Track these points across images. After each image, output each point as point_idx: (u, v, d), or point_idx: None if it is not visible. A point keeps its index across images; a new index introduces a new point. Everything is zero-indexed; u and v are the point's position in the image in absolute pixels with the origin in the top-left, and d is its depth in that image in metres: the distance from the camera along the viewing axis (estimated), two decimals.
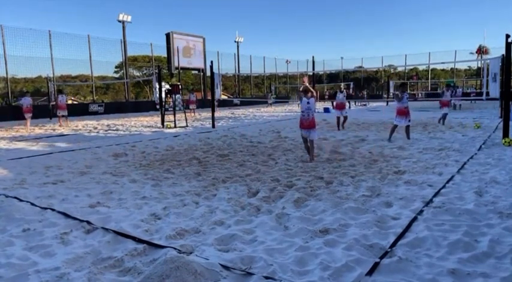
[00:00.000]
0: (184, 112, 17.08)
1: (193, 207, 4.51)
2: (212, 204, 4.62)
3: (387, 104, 33.10)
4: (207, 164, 7.23)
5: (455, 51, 41.06)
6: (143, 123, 18.01)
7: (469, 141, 9.32)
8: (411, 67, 48.75)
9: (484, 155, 7.39)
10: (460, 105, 24.63)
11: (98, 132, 14.35)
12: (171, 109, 16.32)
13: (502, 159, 6.93)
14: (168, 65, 34.02)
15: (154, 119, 20.58)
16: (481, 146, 8.45)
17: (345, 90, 14.38)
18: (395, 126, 9.96)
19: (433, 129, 12.58)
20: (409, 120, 9.95)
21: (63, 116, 17.85)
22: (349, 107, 15.78)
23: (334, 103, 13.68)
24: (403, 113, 9.84)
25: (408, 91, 44.28)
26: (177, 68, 32.35)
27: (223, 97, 30.75)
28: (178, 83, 17.80)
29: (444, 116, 14.07)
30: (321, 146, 9.11)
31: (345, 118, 13.26)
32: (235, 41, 41.87)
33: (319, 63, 46.02)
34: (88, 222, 3.94)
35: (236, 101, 35.98)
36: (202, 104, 30.95)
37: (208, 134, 12.69)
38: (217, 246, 3.33)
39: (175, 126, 15.31)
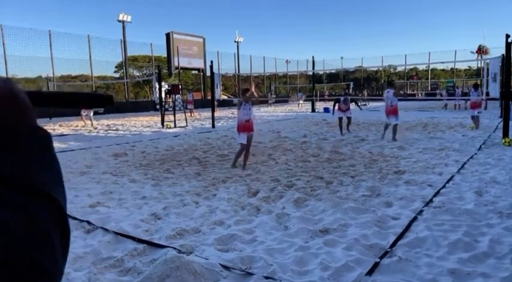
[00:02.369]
0: (184, 112, 17.09)
1: (193, 207, 4.51)
2: (212, 204, 4.62)
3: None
4: (207, 164, 7.23)
5: (455, 51, 41.12)
6: (143, 123, 18.01)
7: (469, 141, 9.32)
8: (411, 67, 48.74)
9: (484, 155, 7.39)
10: (460, 105, 24.61)
11: (98, 132, 14.35)
12: (171, 109, 16.33)
13: (502, 159, 6.93)
14: (168, 65, 34.03)
15: (154, 119, 20.59)
16: (481, 146, 8.45)
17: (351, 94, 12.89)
18: (391, 124, 9.91)
19: (433, 129, 12.58)
20: (397, 119, 9.91)
21: (86, 115, 16.85)
22: (360, 108, 13.17)
23: (337, 106, 12.07)
24: (392, 111, 9.84)
25: (409, 91, 44.29)
26: (177, 68, 32.36)
27: (223, 97, 30.83)
28: (178, 83, 17.76)
29: (474, 118, 12.36)
30: (320, 146, 9.12)
31: (349, 119, 11.99)
32: (235, 41, 41.90)
33: (319, 63, 46.00)
34: (88, 222, 3.94)
35: (236, 101, 35.98)
36: (202, 104, 30.96)
37: (208, 134, 12.69)
38: (217, 246, 3.33)
39: (175, 126, 15.31)
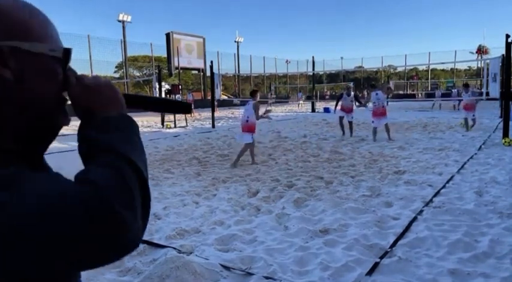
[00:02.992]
0: None
1: (193, 207, 4.51)
2: (212, 204, 4.62)
3: (387, 103, 33.09)
4: (207, 164, 7.23)
5: (455, 51, 41.10)
6: (143, 123, 18.01)
7: (468, 141, 9.32)
8: (411, 67, 48.77)
9: (484, 155, 7.39)
10: (457, 105, 24.52)
11: None
12: None
13: (502, 159, 6.93)
14: (168, 65, 34.02)
15: (154, 119, 20.59)
16: (481, 146, 8.45)
17: (352, 93, 11.49)
18: (383, 125, 10.00)
19: (433, 129, 12.57)
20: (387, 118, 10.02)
21: None
22: (365, 106, 11.68)
23: (339, 106, 11.16)
24: (385, 113, 9.97)
25: (409, 91, 44.25)
26: (177, 68, 32.35)
27: (223, 97, 30.80)
28: (178, 83, 17.79)
29: (466, 121, 11.59)
30: (320, 146, 9.12)
31: (351, 123, 10.99)
32: (235, 41, 41.92)
33: (319, 63, 45.96)
34: None
35: (236, 101, 35.98)
36: (202, 104, 30.96)
37: (208, 134, 12.69)
38: (217, 246, 3.33)
39: (175, 126, 15.32)
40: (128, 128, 0.63)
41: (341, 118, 11.00)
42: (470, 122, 11.75)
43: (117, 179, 0.52)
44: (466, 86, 12.50)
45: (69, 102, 0.67)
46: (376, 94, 10.23)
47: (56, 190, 0.50)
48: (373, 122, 10.09)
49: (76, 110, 0.66)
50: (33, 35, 0.59)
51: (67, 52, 0.65)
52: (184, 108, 0.80)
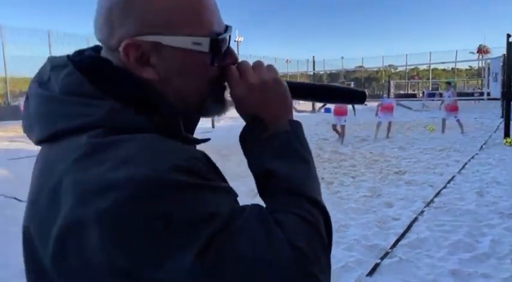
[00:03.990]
0: None
1: None
2: None
3: None
4: None
5: (456, 51, 41.07)
6: None
7: (469, 142, 9.31)
8: (412, 67, 48.70)
9: (485, 155, 7.37)
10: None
11: None
12: None
13: (503, 159, 6.92)
14: None
15: None
16: (482, 146, 8.44)
17: None
18: (387, 122, 10.32)
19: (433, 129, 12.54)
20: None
21: None
22: (354, 114, 10.69)
23: (332, 108, 10.78)
24: (391, 108, 10.41)
25: (410, 91, 44.26)
26: None
27: None
28: None
29: (443, 122, 11.08)
30: (321, 146, 9.11)
31: (343, 128, 10.01)
32: (235, 41, 41.87)
33: (320, 62, 45.83)
34: None
35: None
36: None
37: (208, 134, 12.68)
38: None
39: None
40: (300, 142, 0.56)
41: (334, 125, 10.27)
42: (447, 124, 11.06)
43: (319, 244, 0.45)
44: (447, 83, 11.97)
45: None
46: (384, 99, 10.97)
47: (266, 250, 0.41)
48: (379, 117, 10.20)
49: (239, 113, 0.59)
50: (177, 26, 0.49)
51: (216, 42, 0.52)
52: (358, 96, 0.66)
